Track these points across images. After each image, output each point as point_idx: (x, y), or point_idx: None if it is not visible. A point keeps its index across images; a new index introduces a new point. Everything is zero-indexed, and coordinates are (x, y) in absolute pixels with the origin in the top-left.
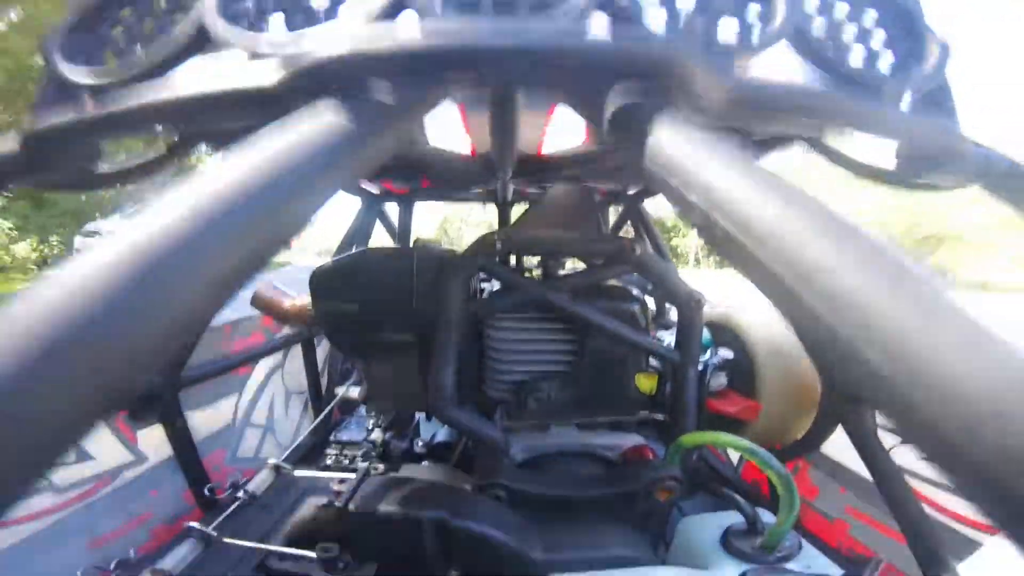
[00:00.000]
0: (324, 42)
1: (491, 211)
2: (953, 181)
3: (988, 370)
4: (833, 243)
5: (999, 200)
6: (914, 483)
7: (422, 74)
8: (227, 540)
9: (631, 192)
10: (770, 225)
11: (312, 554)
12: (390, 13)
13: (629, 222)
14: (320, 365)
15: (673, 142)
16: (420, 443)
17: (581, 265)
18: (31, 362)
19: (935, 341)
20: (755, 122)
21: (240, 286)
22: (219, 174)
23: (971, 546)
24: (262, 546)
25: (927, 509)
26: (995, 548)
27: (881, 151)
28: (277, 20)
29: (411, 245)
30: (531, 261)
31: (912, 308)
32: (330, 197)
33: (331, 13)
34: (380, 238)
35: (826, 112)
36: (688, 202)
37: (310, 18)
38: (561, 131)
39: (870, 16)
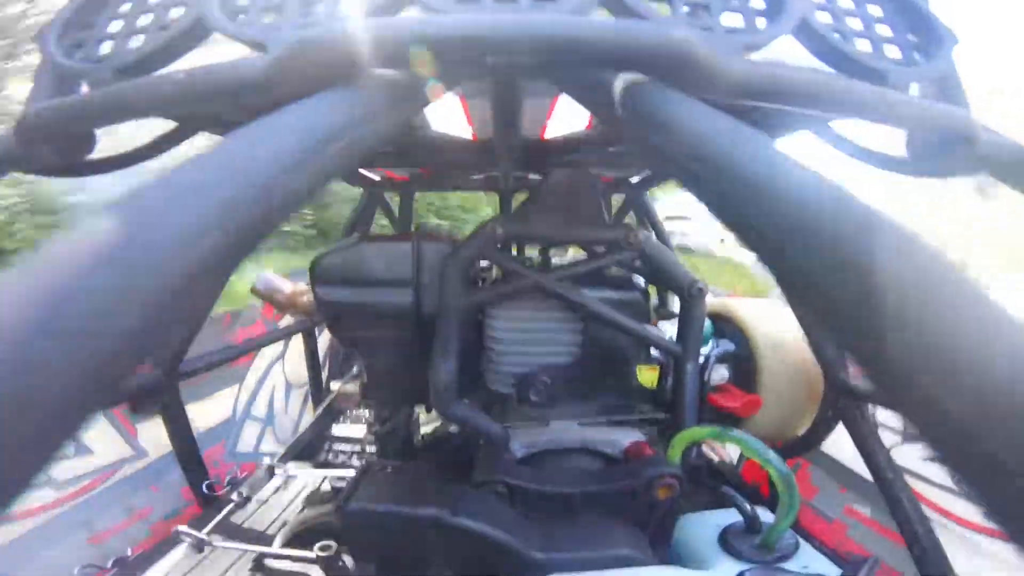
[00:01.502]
0: (326, 33)
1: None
2: (962, 168)
3: (1002, 362)
4: (849, 225)
5: (1008, 186)
6: (913, 483)
7: (425, 65)
8: (220, 544)
9: (634, 180)
10: (783, 203)
11: (311, 553)
12: (393, 4)
13: (632, 210)
14: (321, 357)
15: (687, 124)
16: (420, 438)
17: (583, 253)
18: (24, 352)
19: (948, 332)
20: (761, 109)
21: (233, 269)
22: (215, 159)
23: (969, 547)
24: (257, 548)
25: (926, 510)
26: (995, 549)
27: (889, 138)
28: (277, 12)
29: (412, 232)
30: (533, 249)
31: (926, 297)
32: (326, 184)
33: (331, 5)
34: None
35: (833, 99)
36: (703, 184)
37: (311, 10)
38: (565, 117)
39: (875, 6)
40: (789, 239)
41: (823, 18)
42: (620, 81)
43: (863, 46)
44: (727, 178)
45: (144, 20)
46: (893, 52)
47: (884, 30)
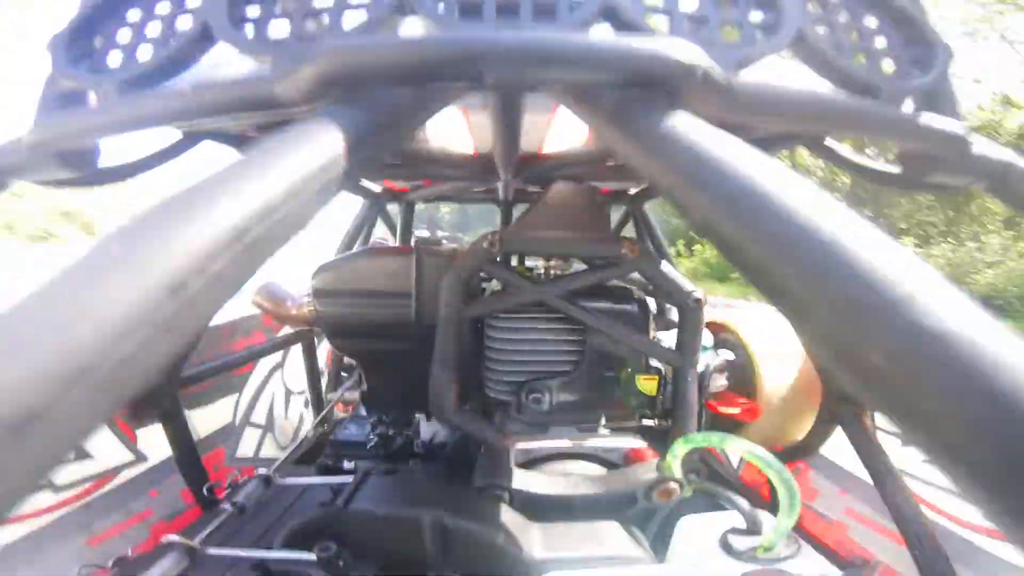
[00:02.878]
0: (328, 46)
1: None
2: (956, 181)
3: (992, 370)
4: (839, 241)
5: (1003, 200)
6: (913, 485)
7: (426, 79)
8: (213, 551)
9: (633, 192)
10: (775, 223)
11: (311, 555)
12: (394, 19)
13: (631, 222)
14: (321, 365)
15: (677, 140)
16: (420, 443)
17: (583, 265)
18: (34, 365)
19: (937, 340)
20: (757, 125)
21: (239, 286)
22: (221, 174)
23: (970, 549)
24: (253, 553)
25: (926, 512)
26: (995, 551)
27: (884, 152)
28: (282, 24)
29: (412, 244)
30: (533, 261)
31: (914, 307)
32: (331, 198)
33: (336, 18)
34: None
35: (828, 114)
36: (691, 198)
37: (315, 23)
38: (564, 130)
39: (871, 21)
40: (779, 254)
41: (819, 32)
42: (617, 97)
43: (858, 60)
44: (719, 197)
45: (151, 30)
46: (888, 65)
47: (879, 43)
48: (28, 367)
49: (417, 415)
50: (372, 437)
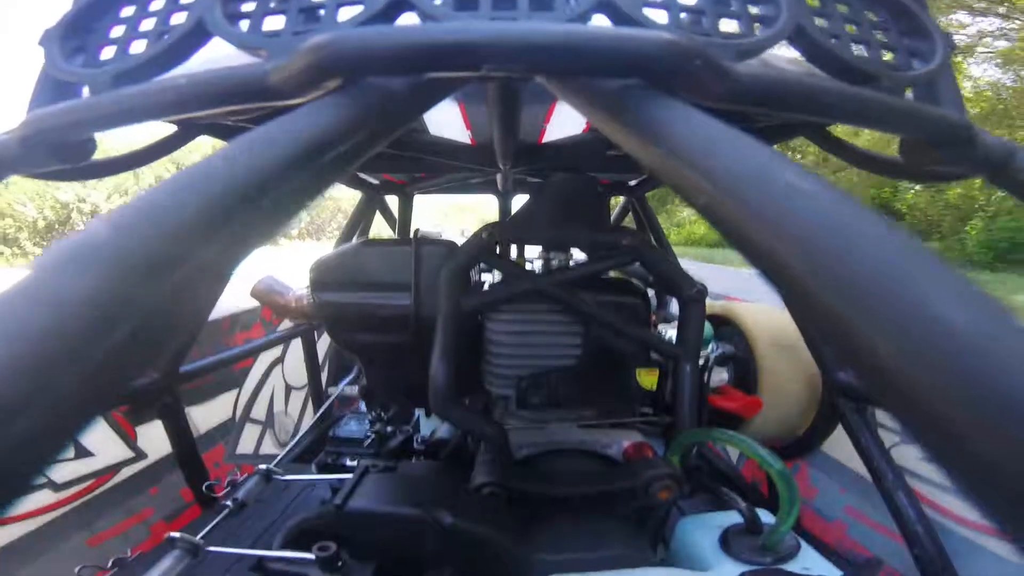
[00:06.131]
0: (324, 36)
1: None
2: (957, 172)
3: (1002, 365)
4: (842, 230)
5: (1002, 189)
6: (914, 483)
7: (422, 70)
8: (214, 548)
9: (633, 183)
10: (777, 210)
11: (309, 554)
12: (390, 12)
13: (631, 213)
14: (320, 359)
15: (676, 130)
16: (419, 440)
17: (583, 257)
18: (27, 355)
19: (946, 333)
20: (757, 115)
21: (229, 273)
22: (216, 166)
23: (970, 547)
24: (253, 552)
25: (927, 510)
26: (995, 549)
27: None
28: (277, 19)
29: (411, 236)
30: (532, 252)
31: (922, 297)
32: (326, 189)
33: (331, 13)
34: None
35: (830, 104)
36: (693, 187)
37: (310, 17)
38: (563, 120)
39: (870, 12)
40: (781, 242)
41: (818, 23)
42: (617, 87)
43: (858, 51)
44: (722, 185)
45: (145, 25)
46: (888, 56)
47: (879, 34)
48: (11, 355)
49: (417, 411)
50: (371, 434)
